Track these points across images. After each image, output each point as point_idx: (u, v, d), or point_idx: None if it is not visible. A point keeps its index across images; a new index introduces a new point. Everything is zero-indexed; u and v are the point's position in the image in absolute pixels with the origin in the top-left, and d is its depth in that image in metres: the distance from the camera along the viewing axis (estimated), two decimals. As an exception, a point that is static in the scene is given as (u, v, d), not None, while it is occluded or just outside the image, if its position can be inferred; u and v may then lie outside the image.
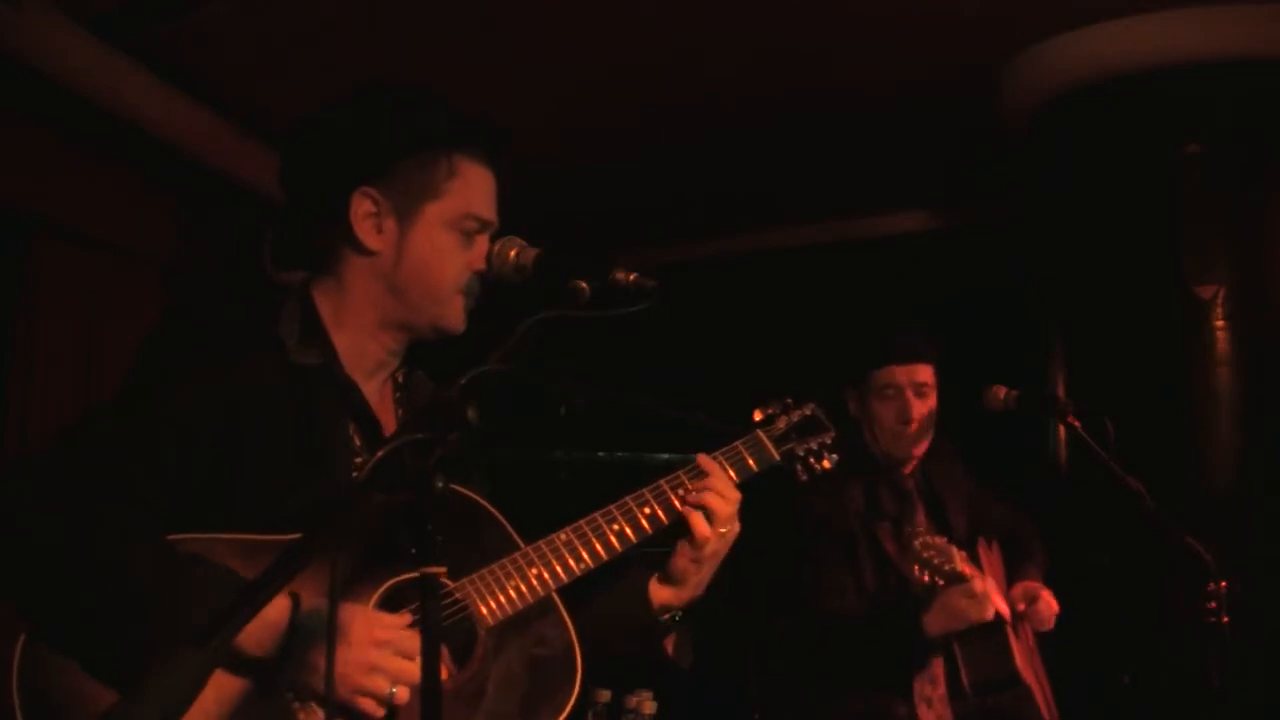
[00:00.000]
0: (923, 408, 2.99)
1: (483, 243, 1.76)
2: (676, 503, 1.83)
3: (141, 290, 4.54)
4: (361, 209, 1.70)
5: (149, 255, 4.60)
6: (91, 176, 4.32)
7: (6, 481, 1.52)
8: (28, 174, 4.08)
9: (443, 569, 1.29)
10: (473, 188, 1.74)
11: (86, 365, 4.30)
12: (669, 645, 1.90)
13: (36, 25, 3.79)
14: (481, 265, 1.75)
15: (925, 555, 2.63)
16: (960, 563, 2.66)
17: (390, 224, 1.71)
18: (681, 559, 1.83)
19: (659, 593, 1.86)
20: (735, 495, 1.86)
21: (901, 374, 2.98)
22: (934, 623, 2.71)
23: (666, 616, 1.87)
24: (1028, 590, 2.99)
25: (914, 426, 2.97)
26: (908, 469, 3.07)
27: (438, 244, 1.72)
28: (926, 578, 2.63)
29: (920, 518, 3.00)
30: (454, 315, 1.76)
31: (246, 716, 1.48)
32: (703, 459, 1.88)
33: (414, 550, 1.29)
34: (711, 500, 1.82)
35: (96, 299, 4.37)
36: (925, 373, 3.01)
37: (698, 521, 1.81)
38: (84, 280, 4.33)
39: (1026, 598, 2.97)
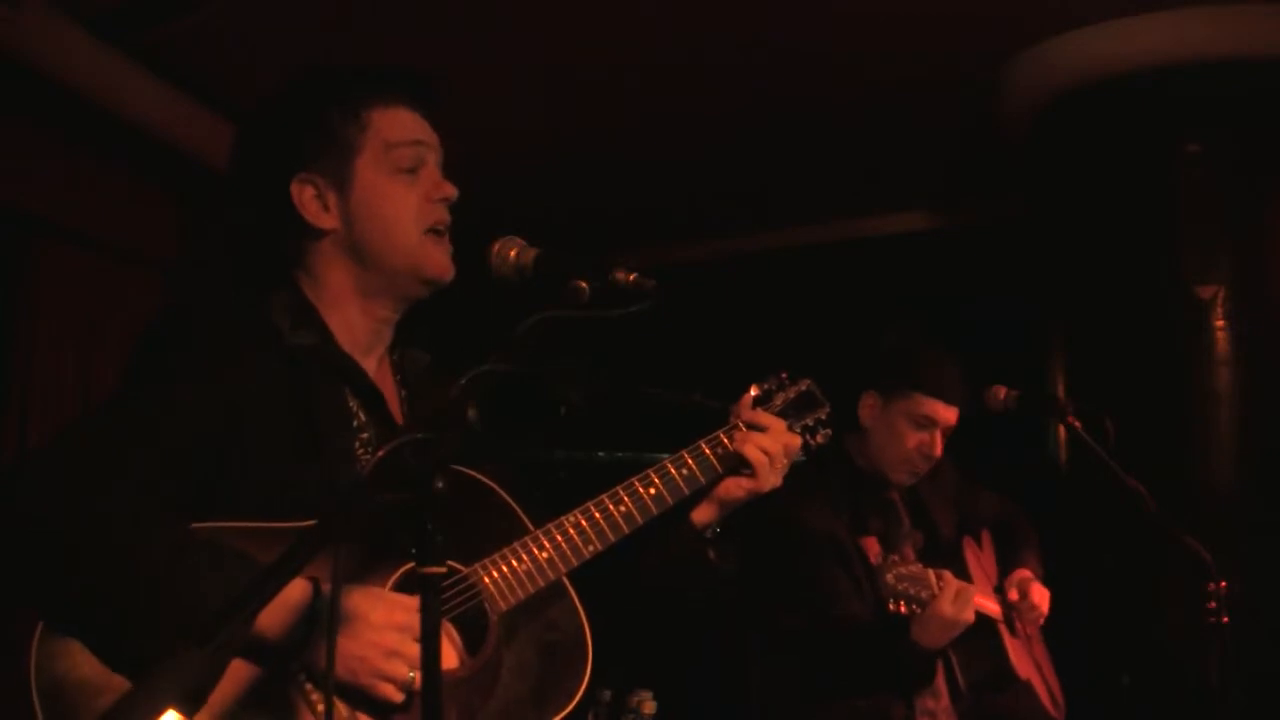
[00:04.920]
0: (942, 447, 2.94)
1: (429, 172, 1.77)
2: (729, 443, 1.89)
3: (141, 290, 4.54)
4: (304, 195, 1.73)
5: (149, 255, 4.59)
6: (91, 176, 4.32)
7: (9, 479, 1.52)
8: (28, 174, 4.08)
9: (441, 569, 1.29)
10: (388, 125, 1.75)
11: (86, 365, 4.30)
12: (713, 555, 1.95)
13: (36, 25, 3.79)
14: (439, 193, 1.75)
15: (900, 587, 2.59)
16: (936, 587, 2.63)
17: (332, 197, 1.74)
18: (739, 490, 1.90)
19: (700, 514, 1.92)
20: (780, 425, 1.94)
21: (946, 413, 2.91)
22: (927, 637, 2.66)
23: (708, 532, 1.94)
24: (1021, 583, 2.99)
25: (927, 465, 2.94)
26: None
27: (379, 191, 1.73)
28: (904, 609, 2.59)
29: (905, 527, 2.99)
30: (429, 259, 1.75)
31: (262, 702, 1.48)
32: (755, 413, 1.95)
33: (413, 550, 1.29)
34: (766, 441, 1.90)
35: (96, 299, 4.37)
36: (957, 416, 2.95)
37: (757, 456, 1.88)
38: (84, 280, 4.33)
39: (1019, 590, 2.97)
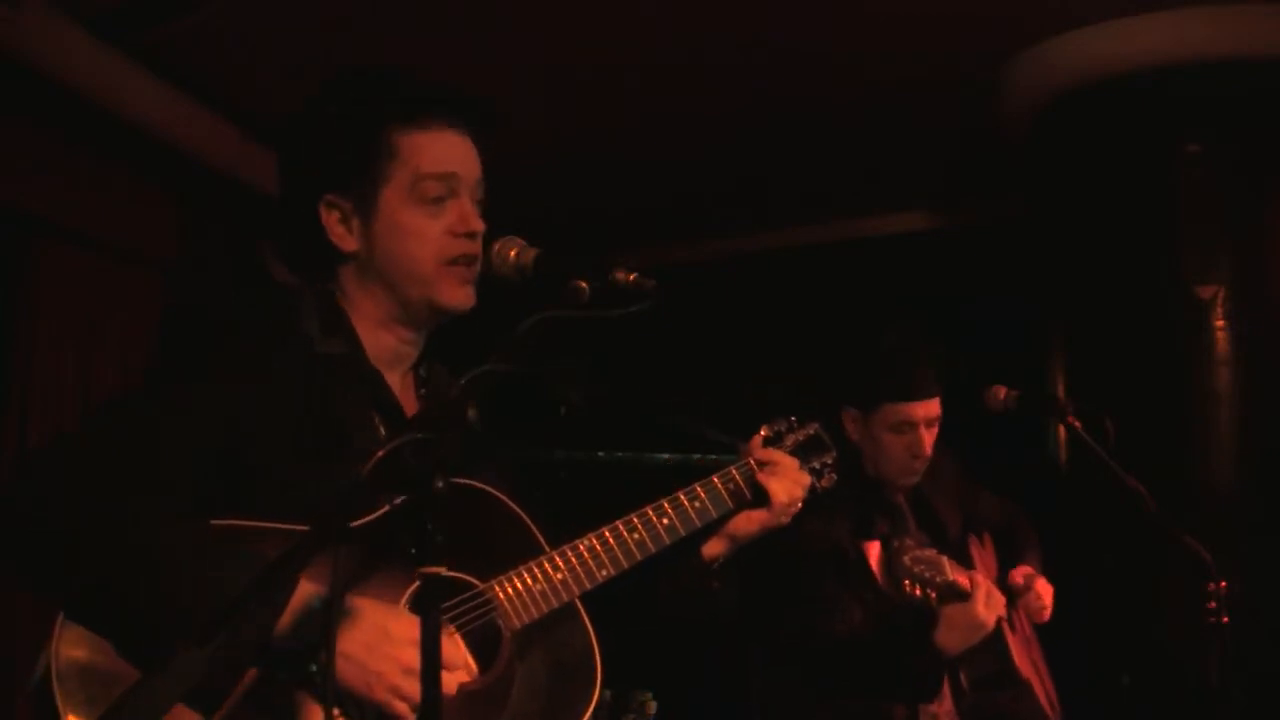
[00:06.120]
0: (931, 438, 2.93)
1: (458, 205, 1.74)
2: (740, 479, 1.96)
3: (141, 290, 4.54)
4: (331, 218, 1.72)
5: (149, 255, 4.59)
6: (92, 176, 4.32)
7: (31, 471, 1.53)
8: (28, 174, 4.07)
9: (440, 570, 1.30)
10: (419, 154, 1.72)
11: (86, 365, 4.30)
12: (716, 585, 2.00)
13: (36, 25, 3.79)
14: (464, 227, 1.73)
15: (916, 570, 2.59)
16: (951, 572, 2.63)
17: (356, 222, 1.73)
18: (752, 524, 1.96)
19: (710, 547, 1.97)
20: (794, 463, 2.02)
21: (919, 410, 2.89)
22: (952, 641, 2.63)
23: (715, 564, 1.99)
24: (1026, 577, 2.99)
25: (923, 462, 2.93)
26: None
27: (401, 224, 1.72)
28: (919, 591, 2.60)
29: (911, 529, 2.98)
30: (447, 290, 1.73)
31: (276, 705, 1.49)
32: (768, 451, 2.02)
33: (413, 550, 1.29)
34: (789, 478, 1.98)
35: (96, 299, 4.37)
36: (937, 405, 2.93)
37: (779, 491, 1.94)
38: (84, 280, 4.33)
39: (1024, 584, 2.97)
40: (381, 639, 1.50)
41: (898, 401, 2.89)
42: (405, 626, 1.52)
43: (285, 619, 1.46)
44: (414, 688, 1.48)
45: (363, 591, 1.56)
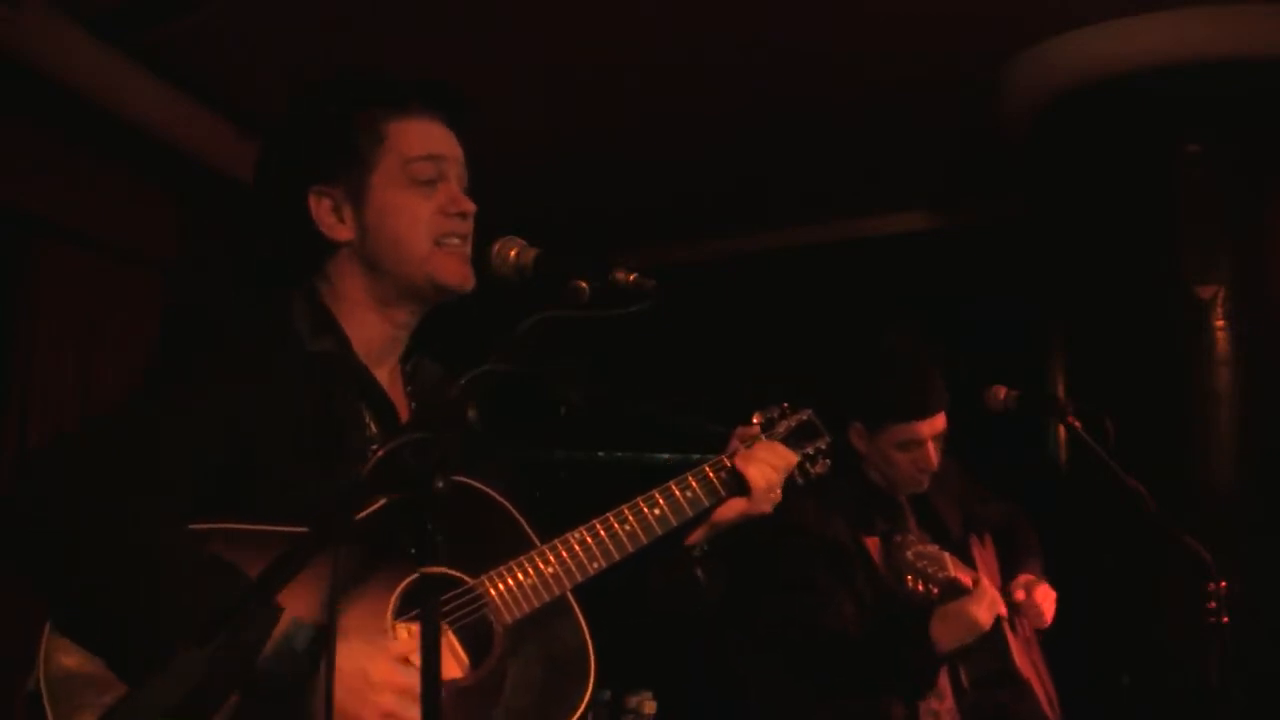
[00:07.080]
0: (938, 451, 2.92)
1: (448, 187, 1.77)
2: (731, 467, 1.94)
3: (141, 290, 4.55)
4: (321, 208, 1.74)
5: (149, 255, 4.60)
6: (91, 177, 4.32)
7: (34, 469, 1.52)
8: (28, 174, 4.08)
9: (441, 569, 1.29)
10: (406, 138, 1.75)
11: (86, 365, 4.30)
12: (701, 574, 1.99)
13: (36, 25, 3.79)
14: (456, 207, 1.75)
15: (919, 565, 2.59)
16: (953, 569, 2.63)
17: (348, 210, 1.74)
18: (731, 512, 1.95)
19: (691, 535, 1.96)
20: (779, 448, 2.01)
21: (925, 429, 2.87)
22: (946, 636, 2.63)
23: (696, 551, 1.98)
24: (1027, 585, 2.99)
25: (929, 475, 2.93)
26: None
27: (393, 206, 1.73)
28: (921, 587, 2.60)
29: (911, 526, 2.98)
30: (445, 268, 1.75)
31: None
32: (748, 438, 2.02)
33: (413, 550, 1.29)
34: (768, 465, 1.97)
35: (96, 299, 4.37)
36: (943, 419, 2.91)
37: (756, 477, 1.93)
38: (84, 280, 4.33)
39: (1025, 595, 2.97)
40: (362, 684, 1.48)
41: (904, 421, 2.87)
42: (385, 670, 1.50)
43: (269, 649, 1.44)
44: None
45: (356, 590, 1.55)
